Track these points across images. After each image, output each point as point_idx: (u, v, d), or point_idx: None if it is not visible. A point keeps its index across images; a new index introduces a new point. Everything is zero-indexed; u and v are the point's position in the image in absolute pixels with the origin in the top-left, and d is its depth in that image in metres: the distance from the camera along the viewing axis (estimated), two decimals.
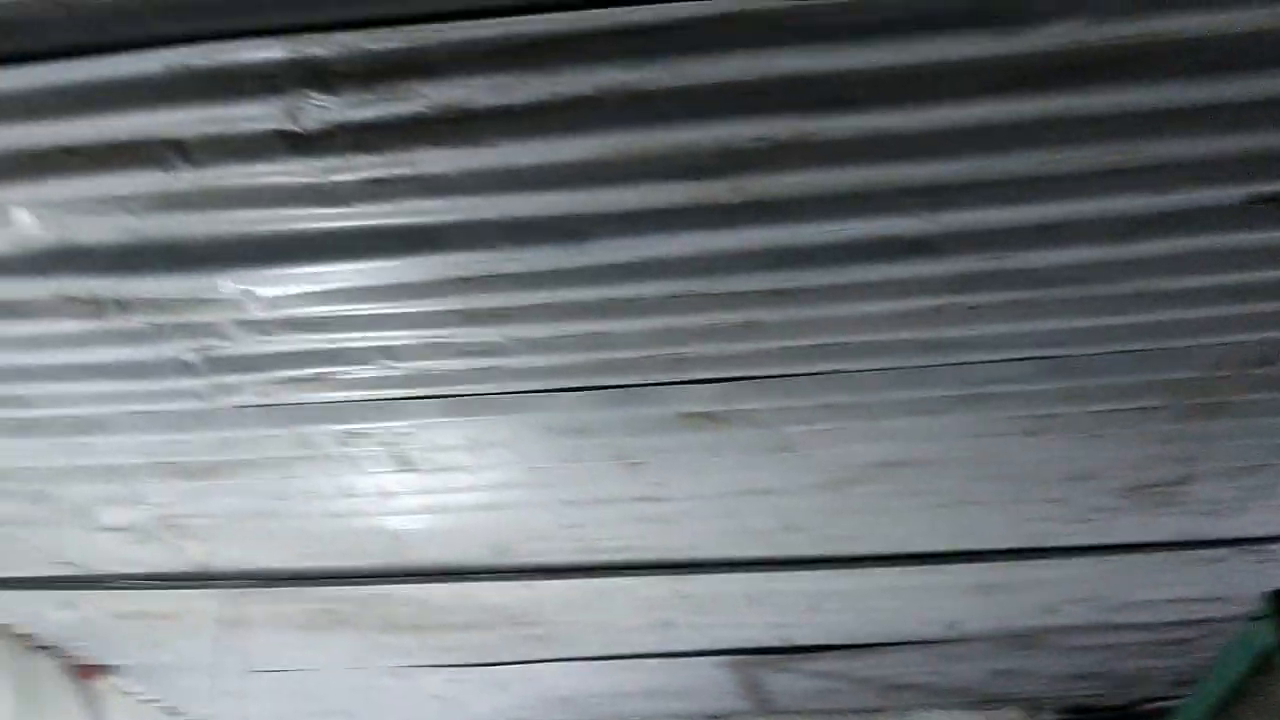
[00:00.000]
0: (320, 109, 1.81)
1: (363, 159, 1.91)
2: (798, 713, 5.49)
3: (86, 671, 4.52)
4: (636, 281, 2.24)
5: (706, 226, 2.11)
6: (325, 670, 4.61)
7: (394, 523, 3.34)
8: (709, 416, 2.78)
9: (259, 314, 2.30)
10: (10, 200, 2.00)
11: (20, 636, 4.17)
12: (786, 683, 5.00)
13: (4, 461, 2.90)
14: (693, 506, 3.28)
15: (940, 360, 2.57)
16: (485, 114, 1.84)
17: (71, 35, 1.72)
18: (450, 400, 2.68)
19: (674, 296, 2.30)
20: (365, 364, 2.50)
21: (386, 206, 2.03)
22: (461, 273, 2.21)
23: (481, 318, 2.35)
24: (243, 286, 2.20)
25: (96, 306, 2.26)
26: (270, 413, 2.70)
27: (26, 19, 1.68)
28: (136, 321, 2.31)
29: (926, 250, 2.19)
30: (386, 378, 2.56)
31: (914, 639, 4.52)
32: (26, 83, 1.77)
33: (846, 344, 2.50)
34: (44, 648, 4.30)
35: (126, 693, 4.83)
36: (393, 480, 3.07)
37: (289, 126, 1.85)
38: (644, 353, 2.49)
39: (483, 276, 2.22)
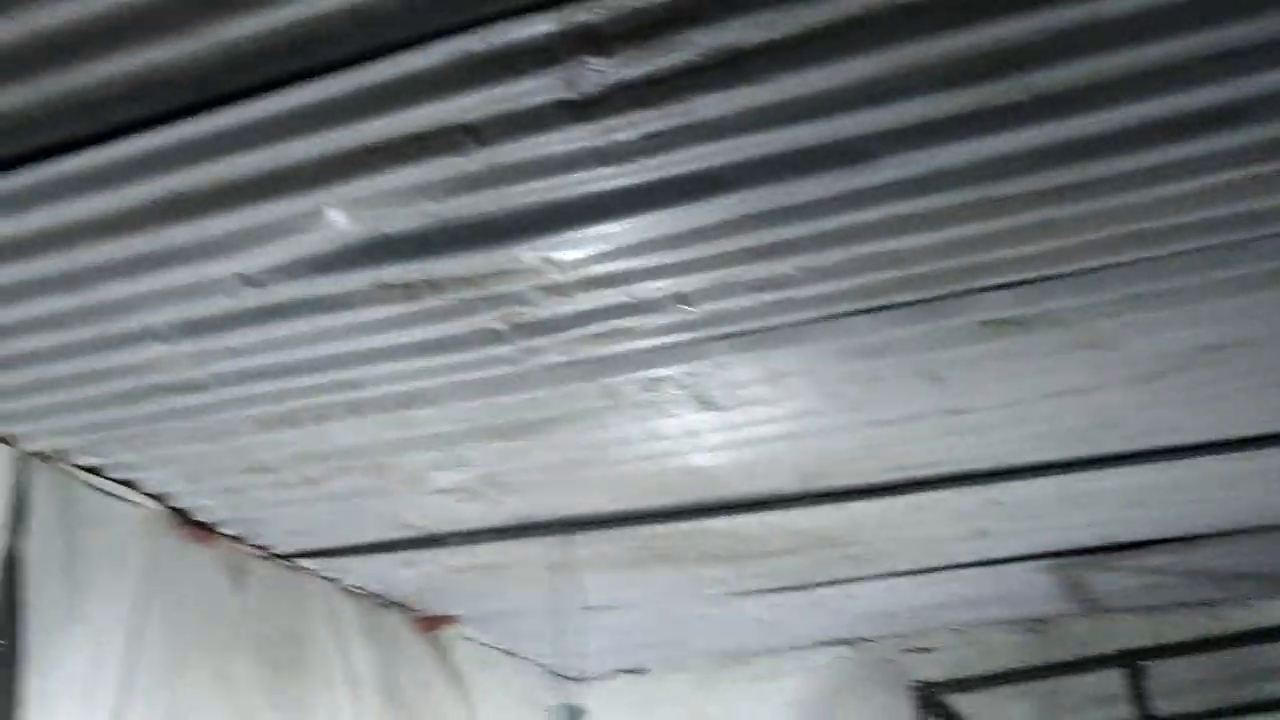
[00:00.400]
0: (596, 73, 1.84)
1: (641, 115, 1.94)
2: (1128, 610, 5.30)
3: (432, 623, 4.87)
4: (925, 195, 2.18)
5: (994, 130, 2.02)
6: (650, 604, 4.79)
7: (702, 460, 3.41)
8: (1011, 321, 2.69)
9: (558, 277, 2.38)
10: (324, 202, 2.14)
11: (373, 595, 4.54)
12: (1112, 581, 4.83)
13: (344, 441, 3.14)
14: (1001, 414, 3.19)
15: (1256, 233, 2.39)
16: (756, 51, 1.83)
17: (360, 41, 1.81)
18: (745, 337, 2.70)
19: (965, 205, 2.23)
20: (661, 312, 2.55)
21: (668, 157, 2.05)
22: (746, 211, 2.21)
23: (770, 252, 2.35)
24: (541, 254, 2.29)
25: (410, 290, 2.40)
26: (576, 369, 2.80)
27: (319, 33, 1.78)
28: (447, 299, 2.43)
29: (1235, 119, 2.03)
30: (682, 322, 2.61)
31: (1249, 526, 4.27)
32: (327, 92, 1.88)
33: (1151, 230, 2.35)
34: (393, 604, 4.66)
35: (469, 639, 5.18)
36: (697, 420, 3.14)
37: (568, 95, 1.89)
38: (938, 265, 2.43)
39: (768, 211, 2.22)
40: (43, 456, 3.19)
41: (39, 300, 2.41)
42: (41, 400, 2.87)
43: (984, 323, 2.69)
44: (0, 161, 2.01)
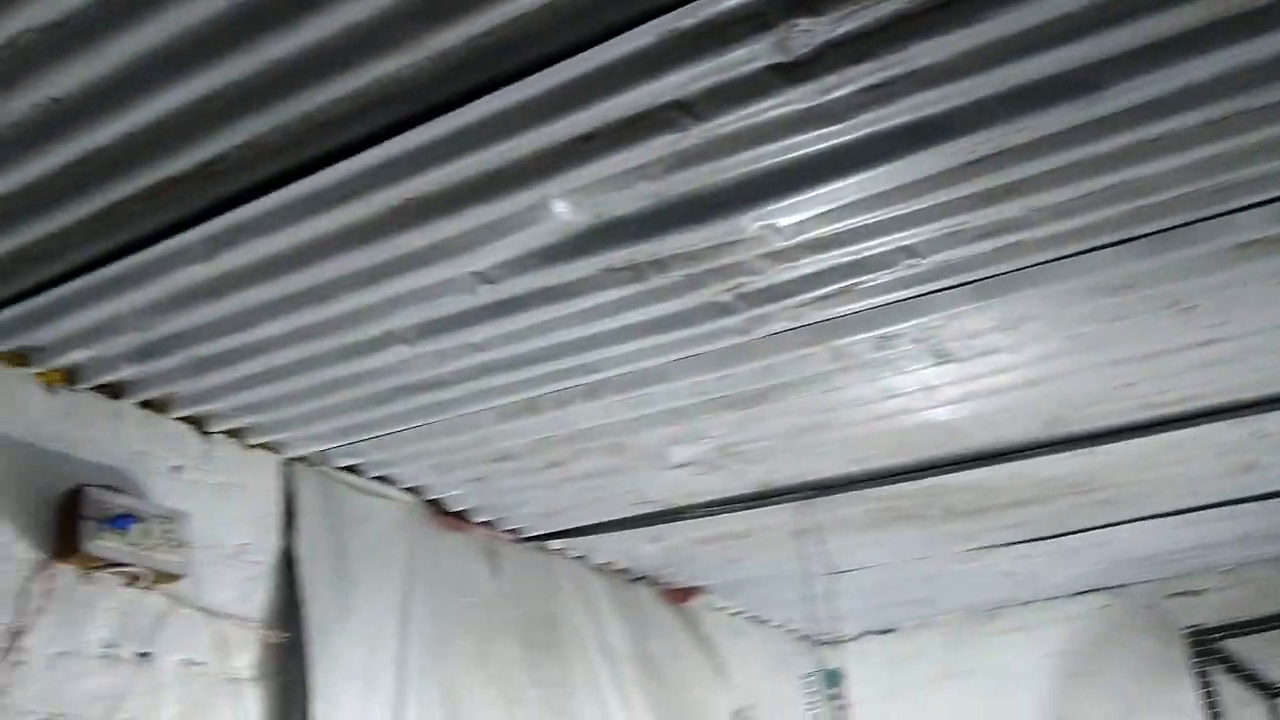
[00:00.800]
0: (807, 33, 1.81)
1: (854, 70, 1.90)
2: None
3: (680, 594, 4.95)
4: (1161, 118, 2.06)
5: (1230, 40, 1.89)
6: (896, 563, 4.73)
7: (941, 414, 3.34)
8: (1267, 241, 2.52)
9: (781, 244, 2.36)
10: (547, 194, 2.18)
11: (621, 571, 4.64)
12: None
13: (582, 424, 3.22)
14: (1259, 341, 3.00)
15: None
16: None
17: (567, 34, 1.83)
18: (977, 285, 2.62)
19: (1206, 124, 2.09)
20: (888, 268, 2.50)
21: (885, 109, 2.00)
22: (970, 156, 2.14)
23: (998, 196, 2.27)
24: (763, 222, 2.27)
25: (636, 271, 2.43)
26: (805, 333, 2.77)
27: (526, 32, 1.81)
28: (673, 276, 2.45)
29: None
30: (910, 276, 2.55)
31: None
32: (540, 88, 1.91)
33: None
34: (641, 578, 4.75)
35: (717, 608, 5.24)
36: (932, 374, 3.07)
37: (780, 59, 1.87)
38: (1181, 190, 2.29)
39: (993, 154, 2.14)
40: (306, 461, 3.40)
41: (291, 315, 2.56)
42: (300, 408, 3.05)
43: (1236, 246, 2.53)
44: (244, 191, 2.13)
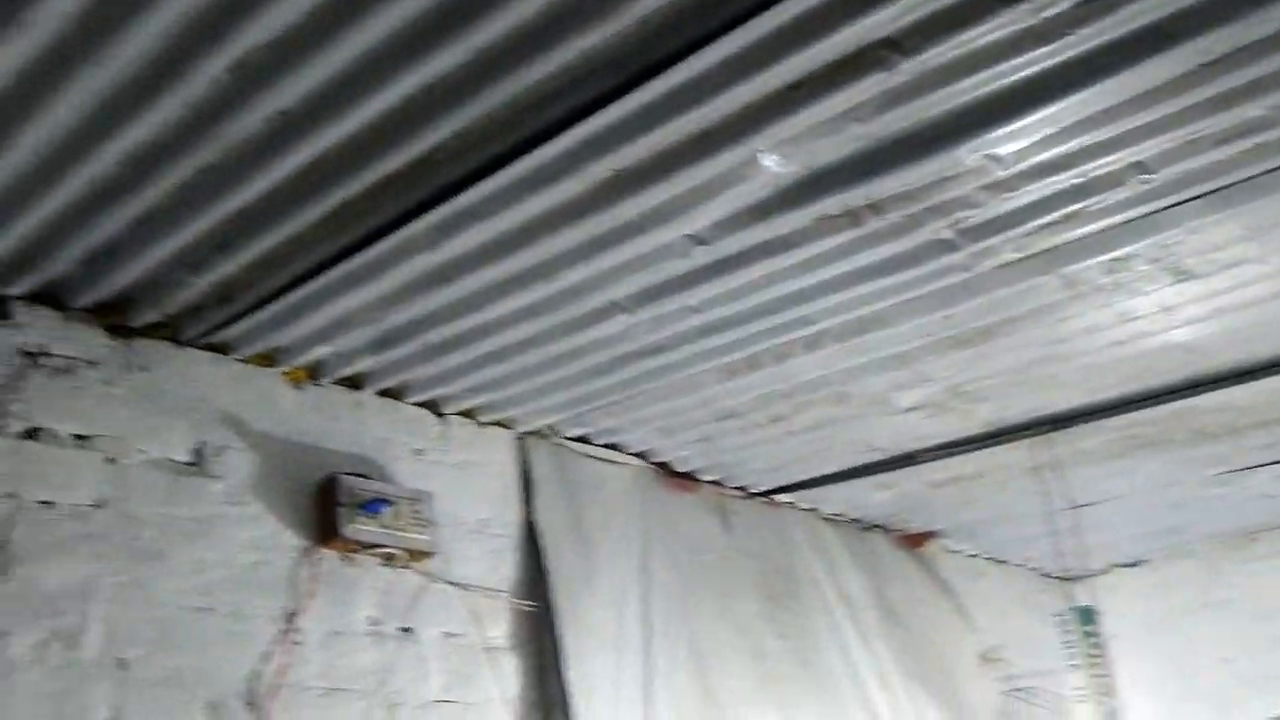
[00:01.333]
0: None
1: None
2: None
3: (915, 540, 4.87)
4: None
5: None
6: (1142, 493, 4.53)
7: (1181, 335, 3.16)
8: None
9: (1002, 173, 2.27)
10: (756, 149, 2.16)
11: (853, 520, 4.59)
12: None
13: (804, 376, 3.19)
14: None
15: None
16: None
17: None
18: (1217, 195, 2.45)
19: None
20: (1118, 186, 2.37)
21: (1106, 21, 1.89)
22: (1202, 58, 2.00)
23: (1237, 97, 2.12)
24: (982, 152, 2.19)
25: (852, 217, 2.38)
26: (1031, 263, 2.67)
27: None
28: (891, 218, 2.39)
29: None
30: (1143, 193, 2.41)
31: None
32: (744, 42, 1.88)
33: None
34: (874, 526, 4.70)
35: (953, 551, 5.13)
36: (1171, 293, 2.91)
37: None
38: None
39: (1227, 54, 2.00)
40: (537, 434, 3.49)
41: (515, 295, 2.62)
42: (529, 384, 3.13)
43: None
44: (462, 178, 2.18)
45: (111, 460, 2.58)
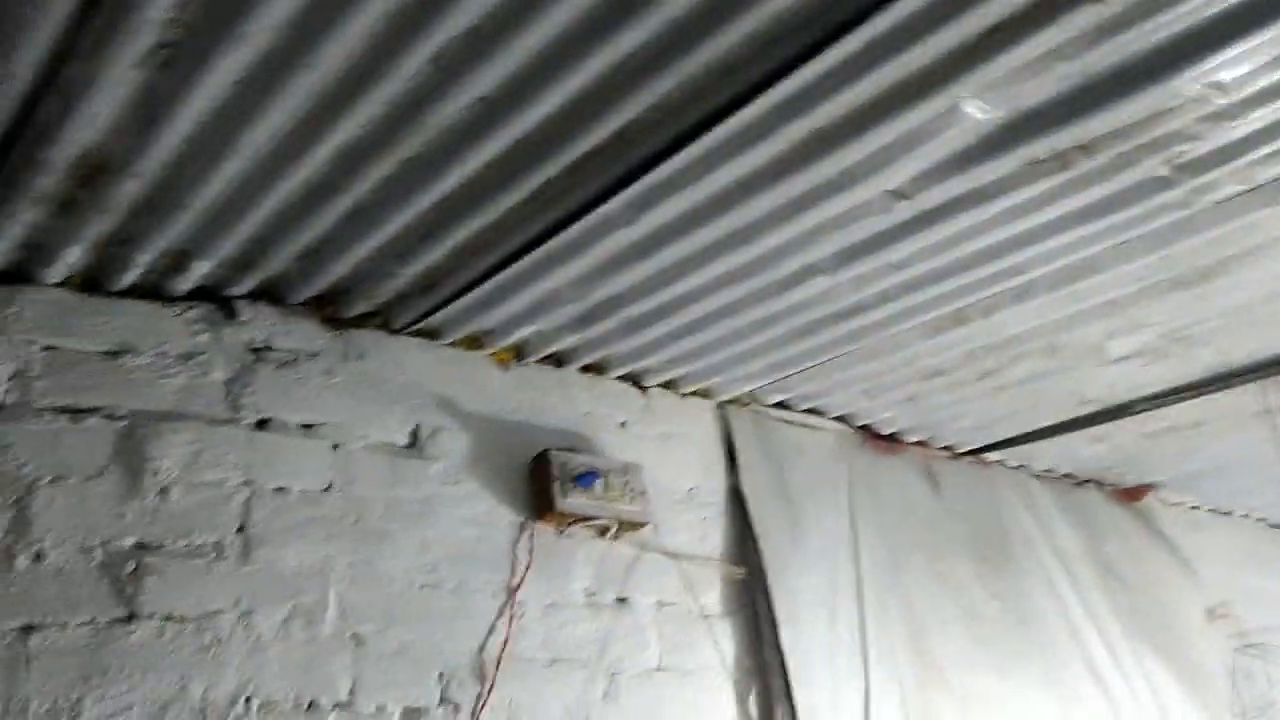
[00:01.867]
0: None
1: None
2: None
3: (1131, 493, 4.68)
4: None
5: None
6: None
7: None
8: None
9: (1224, 101, 2.14)
10: (957, 96, 2.09)
11: (1064, 476, 4.44)
12: None
13: (1012, 329, 3.09)
14: None
15: None
16: None
17: None
18: None
19: None
20: None
21: None
22: None
23: None
24: (1200, 81, 2.07)
25: (1061, 159, 2.29)
26: (1255, 196, 2.51)
27: None
28: (1102, 158, 2.29)
29: None
30: None
31: None
32: None
33: None
34: (1087, 481, 4.53)
35: (1172, 503, 4.91)
36: None
37: None
38: None
39: None
40: (738, 402, 3.49)
41: (713, 264, 2.62)
42: (729, 352, 3.13)
43: None
44: (658, 151, 2.19)
45: (336, 446, 2.70)
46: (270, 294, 2.71)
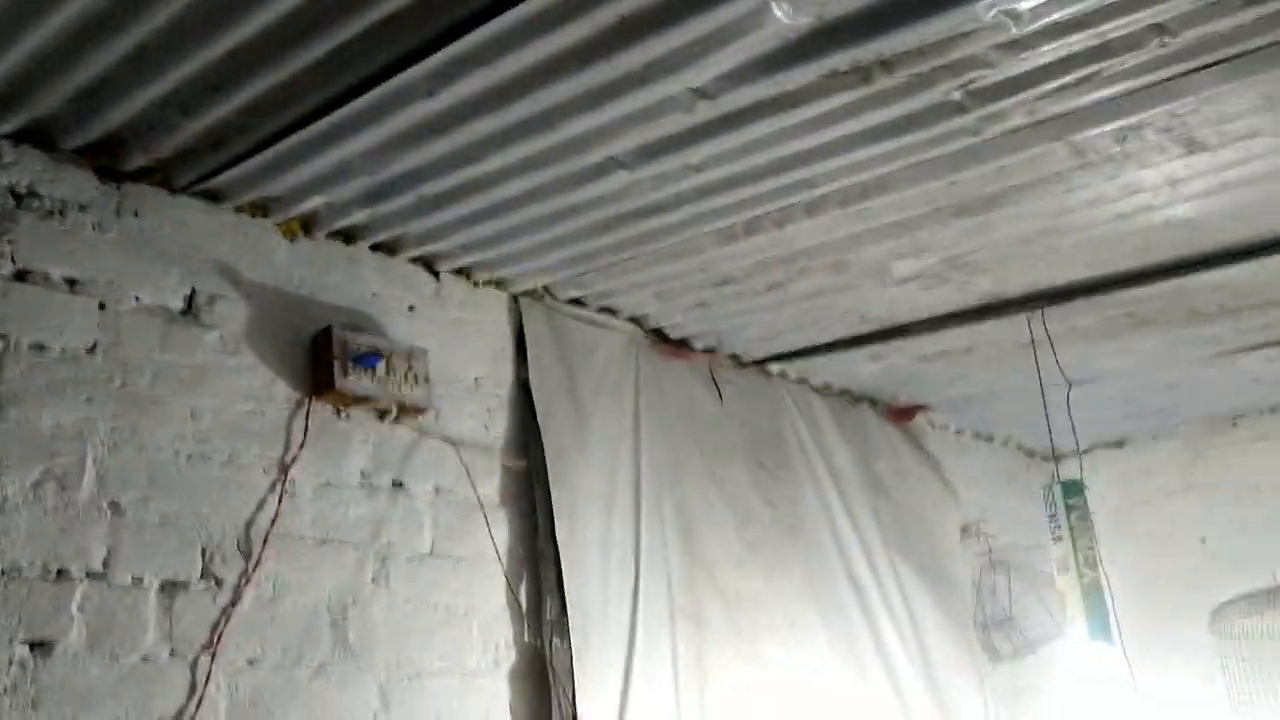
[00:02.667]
0: None
1: None
2: None
3: (903, 414, 4.89)
4: None
5: None
6: (1132, 373, 4.54)
7: (1185, 210, 3.13)
8: None
9: (1018, 31, 2.20)
10: None
11: (842, 392, 4.61)
12: None
13: (803, 242, 3.16)
14: None
15: None
16: None
17: None
18: (1237, 62, 2.39)
19: None
20: (1136, 49, 2.31)
21: None
22: None
23: None
24: (999, 8, 2.12)
25: (862, 73, 2.32)
26: (1042, 129, 2.62)
27: None
28: (900, 76, 2.33)
29: None
30: (1161, 57, 2.35)
31: None
32: None
33: None
34: (863, 398, 4.72)
35: (941, 426, 5.17)
36: (1180, 165, 2.87)
37: None
38: None
39: None
40: (532, 295, 3.46)
41: (513, 147, 2.57)
42: (524, 242, 3.10)
43: None
44: (462, 21, 2.12)
45: (103, 305, 2.56)
46: (38, 137, 2.52)
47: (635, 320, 3.72)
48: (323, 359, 2.85)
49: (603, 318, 3.65)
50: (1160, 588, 5.38)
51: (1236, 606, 4.20)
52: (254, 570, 2.63)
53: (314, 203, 2.83)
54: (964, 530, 5.01)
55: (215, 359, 2.71)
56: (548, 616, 3.15)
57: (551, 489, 3.25)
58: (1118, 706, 4.51)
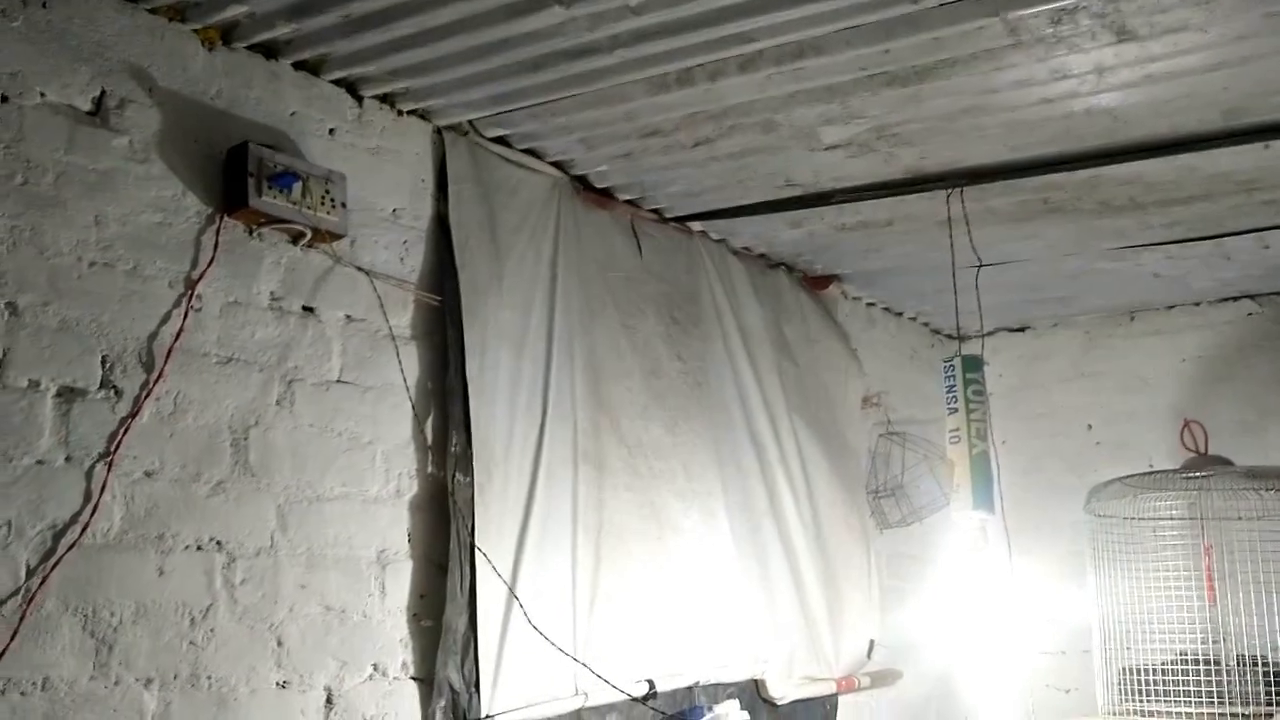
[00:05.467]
0: None
1: None
2: None
3: (818, 282, 4.96)
4: None
5: None
6: (1041, 260, 4.64)
7: (1109, 99, 3.17)
8: None
9: None
10: None
11: (760, 256, 4.64)
12: None
13: (734, 98, 3.14)
14: None
15: None
16: None
17: None
18: None
19: None
20: None
21: None
22: None
23: None
24: None
25: None
26: (981, 4, 2.62)
27: None
28: None
29: None
30: None
31: None
32: None
33: None
34: (780, 264, 4.76)
35: (853, 297, 5.25)
36: (1109, 53, 2.89)
37: None
38: None
39: None
40: (456, 129, 3.40)
41: None
42: (452, 74, 3.03)
43: None
44: None
45: (5, 98, 2.46)
46: None
47: (560, 165, 3.69)
48: (237, 176, 2.78)
49: (527, 159, 3.60)
50: (1045, 468, 5.61)
51: (1110, 489, 4.38)
52: (155, 384, 2.60)
53: (235, 11, 2.73)
54: (865, 400, 5.14)
55: (123, 165, 2.63)
56: (452, 450, 3.18)
57: (464, 325, 3.26)
58: (994, 575, 4.73)
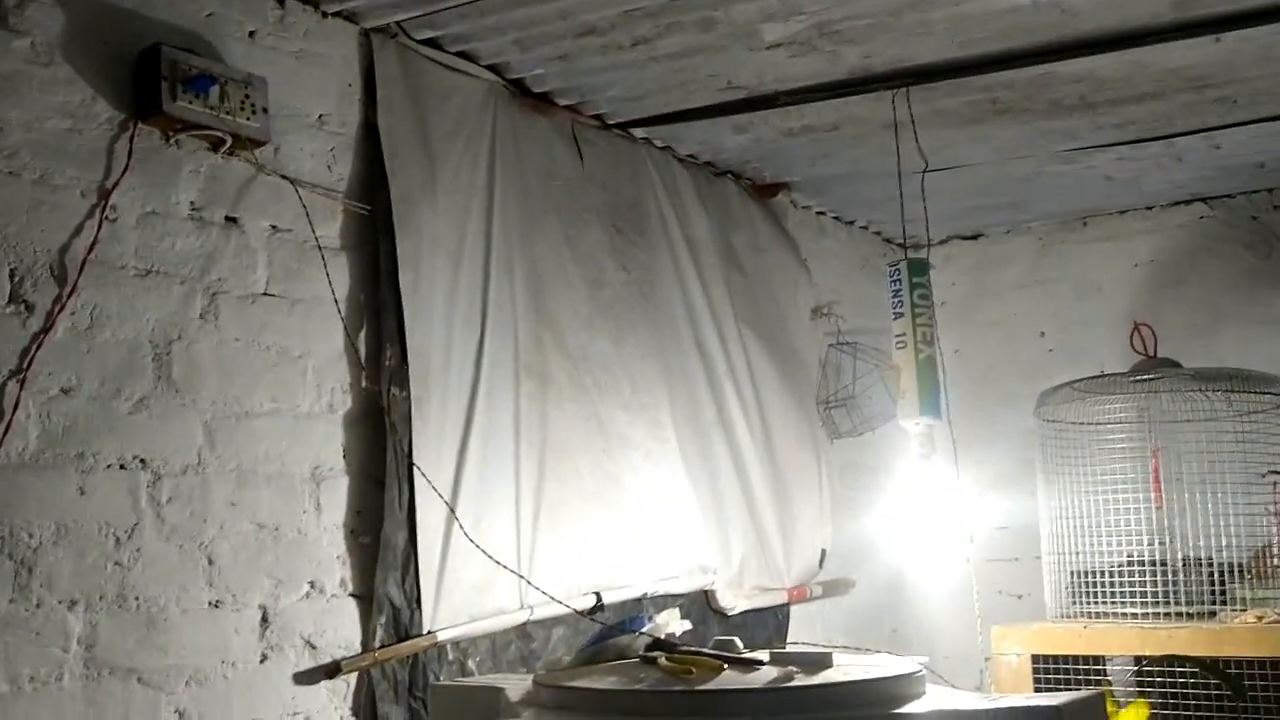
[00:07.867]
0: None
1: None
2: None
3: (765, 190, 4.88)
4: None
5: None
6: (991, 163, 4.58)
7: None
8: None
9: None
10: None
11: (706, 164, 4.55)
12: None
13: None
14: None
15: None
16: None
17: None
18: None
19: None
20: None
21: None
22: None
23: None
24: None
25: None
26: None
27: None
28: None
29: None
30: None
31: None
32: None
33: None
34: (727, 172, 4.67)
35: (802, 206, 5.18)
36: None
37: None
38: None
39: None
40: (384, 32, 3.27)
41: None
42: None
43: None
44: None
45: None
46: None
47: (495, 69, 3.56)
48: (149, 80, 2.65)
49: (460, 63, 3.47)
50: (997, 376, 5.60)
51: (1059, 393, 4.37)
52: (69, 297, 2.50)
53: None
54: (815, 310, 5.09)
55: (26, 69, 2.50)
56: (387, 364, 3.10)
57: (397, 236, 3.16)
58: (942, 482, 4.73)
